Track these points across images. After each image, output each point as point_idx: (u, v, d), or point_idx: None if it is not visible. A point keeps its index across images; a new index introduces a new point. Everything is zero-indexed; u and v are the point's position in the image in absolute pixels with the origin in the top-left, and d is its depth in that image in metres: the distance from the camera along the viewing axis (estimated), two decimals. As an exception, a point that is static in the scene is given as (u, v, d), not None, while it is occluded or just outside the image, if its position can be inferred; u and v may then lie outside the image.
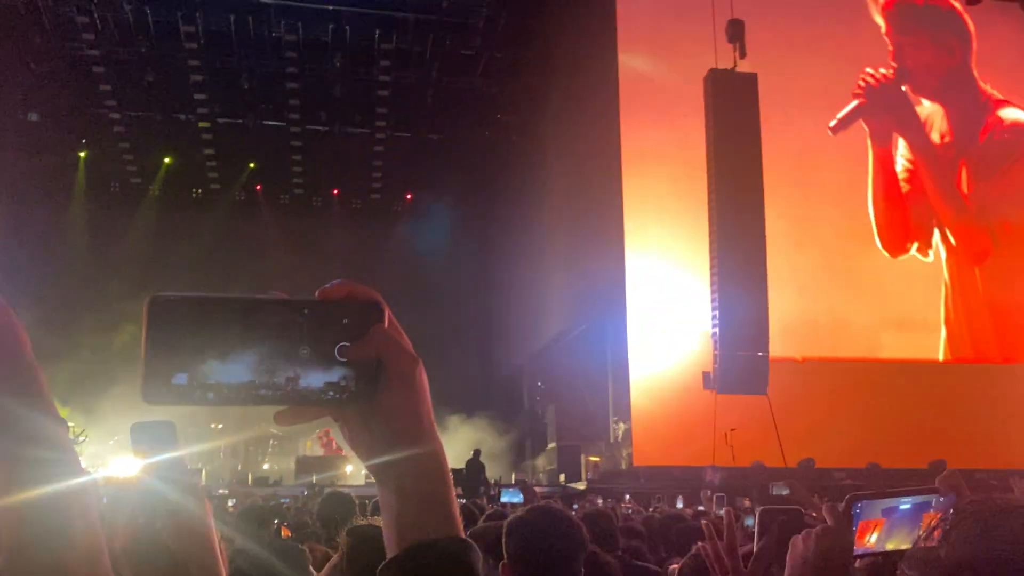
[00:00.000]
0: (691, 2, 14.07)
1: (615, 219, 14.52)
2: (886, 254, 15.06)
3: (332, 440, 17.06)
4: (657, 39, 14.84)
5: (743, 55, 12.33)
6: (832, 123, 14.82)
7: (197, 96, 18.96)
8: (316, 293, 0.78)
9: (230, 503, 7.97)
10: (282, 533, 5.19)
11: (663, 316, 14.02)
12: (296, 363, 0.75)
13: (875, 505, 1.35)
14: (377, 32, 17.45)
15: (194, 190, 22.51)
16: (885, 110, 15.08)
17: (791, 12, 15.11)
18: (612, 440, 15.05)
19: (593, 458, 15.22)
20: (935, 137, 15.46)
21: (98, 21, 17.08)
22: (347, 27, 17.42)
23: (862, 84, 15.00)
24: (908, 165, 15.36)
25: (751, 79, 12.25)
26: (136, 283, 17.79)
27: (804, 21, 15.22)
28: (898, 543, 1.36)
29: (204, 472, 14.49)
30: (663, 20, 14.92)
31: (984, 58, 15.85)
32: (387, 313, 0.79)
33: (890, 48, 15.38)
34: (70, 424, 14.48)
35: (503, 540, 2.31)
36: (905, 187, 15.24)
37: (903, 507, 1.37)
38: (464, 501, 6.34)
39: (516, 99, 19.65)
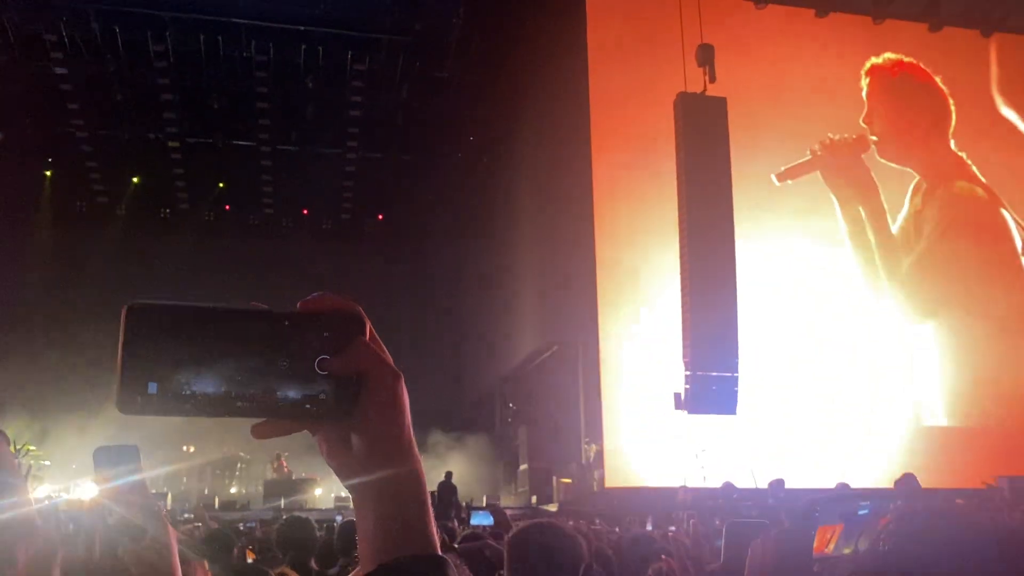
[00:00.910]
0: (661, 26, 14.25)
1: (586, 239, 14.60)
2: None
3: (284, 463, 16.89)
4: (628, 62, 15.00)
5: (713, 79, 12.46)
6: (779, 170, 15.12)
7: (166, 115, 18.83)
8: (297, 305, 0.77)
9: (198, 525, 7.84)
10: (247, 557, 5.10)
11: (635, 337, 14.07)
12: (275, 375, 0.74)
13: (834, 509, 1.34)
14: (350, 53, 17.46)
15: (162, 210, 22.29)
16: (840, 173, 15.44)
17: (760, 36, 15.38)
18: (584, 461, 15.01)
19: (565, 480, 15.17)
20: (917, 201, 15.81)
21: (66, 39, 16.93)
22: (319, 48, 17.41)
23: (821, 146, 15.38)
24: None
25: (720, 103, 12.37)
26: (101, 303, 17.53)
27: (772, 46, 15.50)
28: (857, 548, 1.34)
29: (169, 496, 14.24)
30: (634, 44, 15.10)
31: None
32: (368, 326, 0.78)
33: (865, 110, 15.82)
34: (32, 448, 14.18)
35: (506, 553, 2.40)
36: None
37: (861, 512, 1.36)
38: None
39: (488, 121, 19.73)
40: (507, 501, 16.65)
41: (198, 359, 0.72)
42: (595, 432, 14.41)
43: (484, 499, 16.30)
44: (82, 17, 16.70)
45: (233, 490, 17.64)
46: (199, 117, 19.15)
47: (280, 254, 21.41)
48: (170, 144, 19.77)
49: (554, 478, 15.37)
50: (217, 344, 0.73)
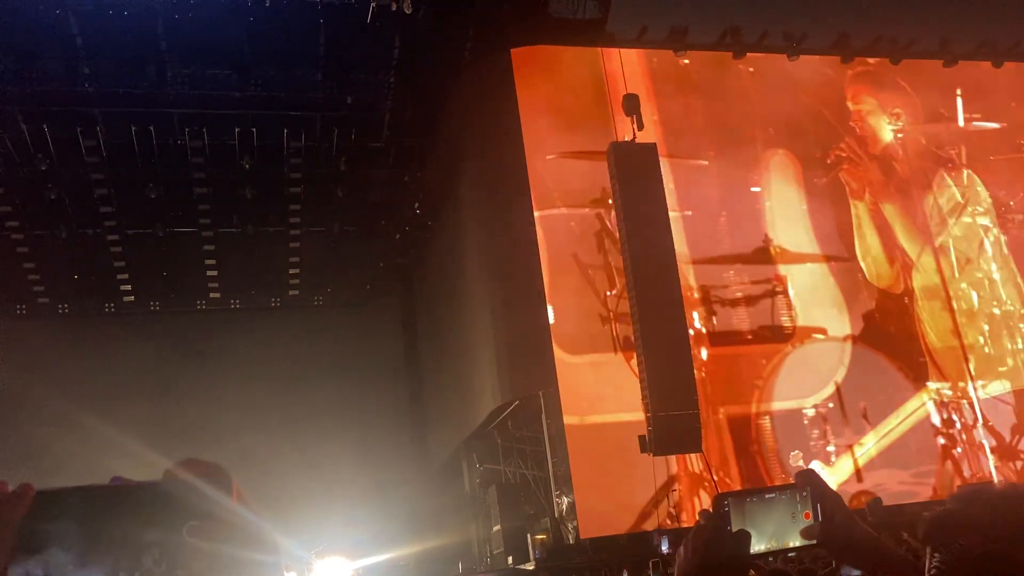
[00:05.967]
0: (587, 80, 14.68)
1: (535, 291, 14.73)
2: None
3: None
4: (559, 117, 15.38)
5: (640, 127, 12.87)
6: None
7: (103, 209, 18.60)
8: (163, 474, 0.81)
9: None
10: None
11: (594, 382, 14.16)
12: (146, 548, 0.76)
13: (742, 500, 1.40)
14: (284, 131, 17.55)
15: (107, 304, 21.87)
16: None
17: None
18: (557, 515, 14.92)
19: (539, 536, 15.03)
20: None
21: (-6, 143, 16.75)
22: (253, 129, 17.47)
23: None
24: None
25: (651, 148, 12.76)
26: (50, 405, 17.13)
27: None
28: (778, 537, 1.39)
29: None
30: (563, 99, 15.51)
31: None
32: (235, 485, 0.83)
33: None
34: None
35: None
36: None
37: (768, 496, 1.43)
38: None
39: (430, 186, 19.90)
40: (483, 564, 16.43)
41: (67, 544, 0.73)
42: (565, 483, 14.36)
43: (460, 566, 16.08)
44: (9, 119, 16.56)
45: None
46: (137, 208, 18.93)
47: (232, 337, 21.14)
48: (109, 238, 19.50)
49: (528, 536, 15.22)
50: (86, 527, 0.74)
